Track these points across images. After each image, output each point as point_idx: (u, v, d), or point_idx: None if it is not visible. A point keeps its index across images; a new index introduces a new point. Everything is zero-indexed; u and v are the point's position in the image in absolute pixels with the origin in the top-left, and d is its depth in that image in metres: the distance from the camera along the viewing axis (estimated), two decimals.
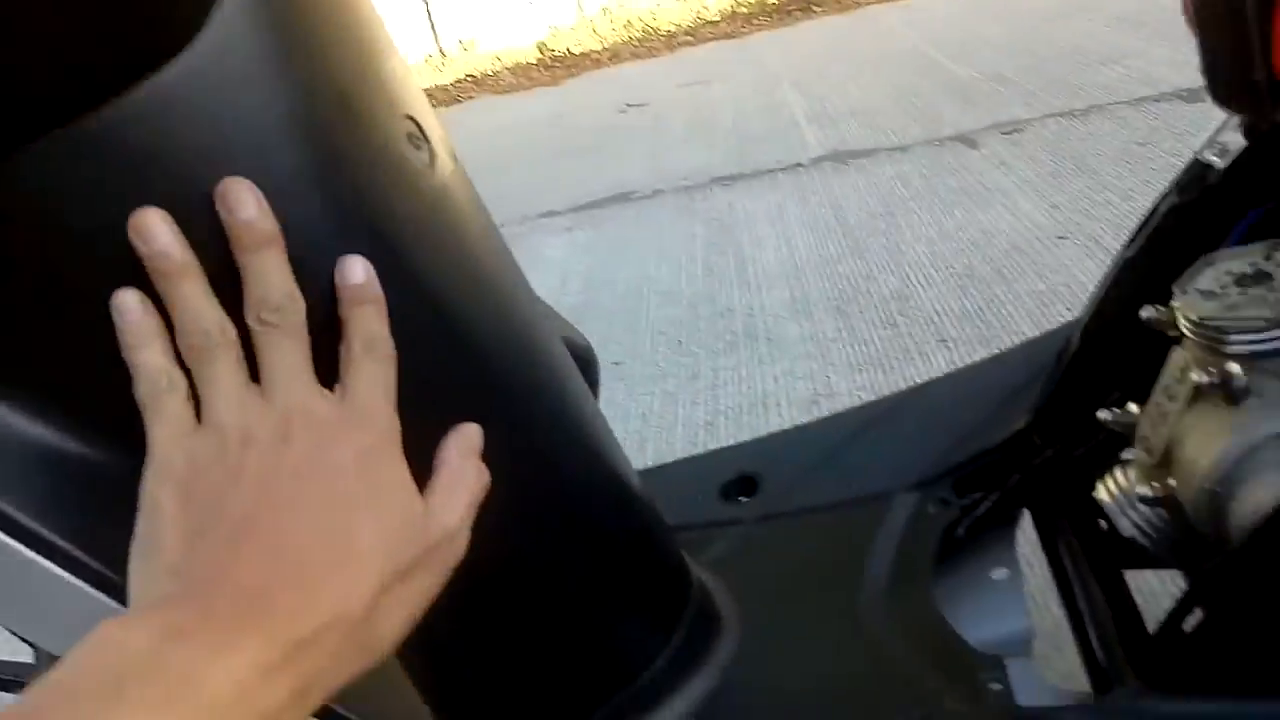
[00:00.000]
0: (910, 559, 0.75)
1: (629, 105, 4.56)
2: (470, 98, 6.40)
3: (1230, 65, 0.48)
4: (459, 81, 6.95)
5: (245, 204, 0.35)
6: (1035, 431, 0.77)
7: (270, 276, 0.36)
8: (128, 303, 0.35)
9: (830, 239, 2.40)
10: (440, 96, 6.56)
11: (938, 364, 1.72)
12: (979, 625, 0.80)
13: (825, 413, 1.08)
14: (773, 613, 0.75)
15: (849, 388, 1.72)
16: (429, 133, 0.47)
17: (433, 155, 0.47)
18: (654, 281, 2.43)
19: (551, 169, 3.75)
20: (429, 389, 0.43)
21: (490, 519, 0.44)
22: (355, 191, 0.40)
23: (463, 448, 0.42)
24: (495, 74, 6.86)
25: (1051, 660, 0.92)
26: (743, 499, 0.89)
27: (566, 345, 0.81)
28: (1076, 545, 0.75)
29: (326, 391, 0.37)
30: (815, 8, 5.83)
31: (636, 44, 6.46)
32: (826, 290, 2.13)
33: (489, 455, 0.45)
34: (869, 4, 5.49)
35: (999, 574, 0.83)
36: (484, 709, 0.62)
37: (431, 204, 0.46)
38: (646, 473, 1.00)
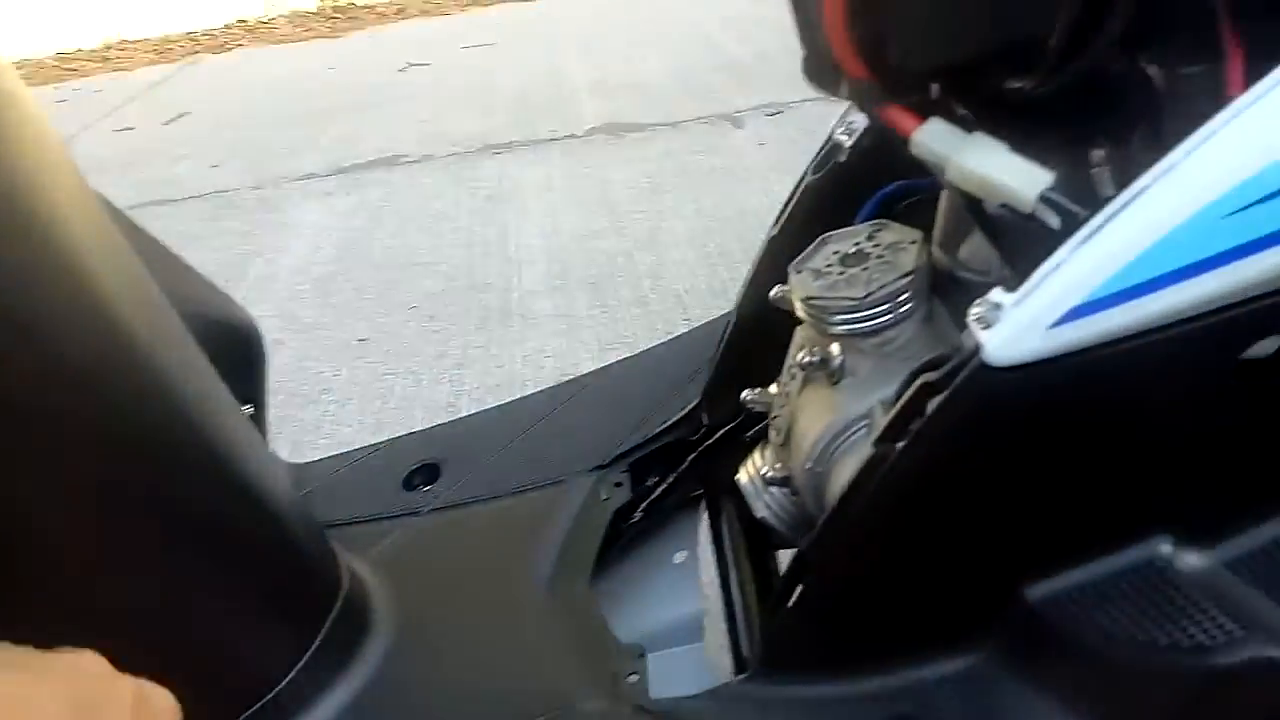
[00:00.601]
0: (576, 546, 0.72)
1: (410, 64, 4.34)
2: (240, 45, 5.86)
3: (805, 41, 0.47)
4: (229, 27, 6.34)
5: None
6: (703, 413, 0.77)
7: None
8: None
9: (595, 214, 2.38)
10: (206, 43, 5.96)
11: None
12: (653, 610, 0.79)
13: None
14: (434, 609, 0.71)
15: (595, 367, 1.70)
16: None
17: None
18: (413, 252, 2.30)
19: (318, 129, 3.49)
20: None
21: (89, 520, 0.38)
22: None
23: None
24: (269, 22, 6.32)
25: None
26: (425, 488, 0.84)
27: (221, 322, 0.71)
28: (737, 526, 0.75)
29: None
30: None
31: (425, 0, 6.16)
32: (585, 266, 2.11)
33: (76, 446, 0.38)
34: None
35: (679, 557, 0.82)
36: None
37: None
38: (329, 461, 0.92)
